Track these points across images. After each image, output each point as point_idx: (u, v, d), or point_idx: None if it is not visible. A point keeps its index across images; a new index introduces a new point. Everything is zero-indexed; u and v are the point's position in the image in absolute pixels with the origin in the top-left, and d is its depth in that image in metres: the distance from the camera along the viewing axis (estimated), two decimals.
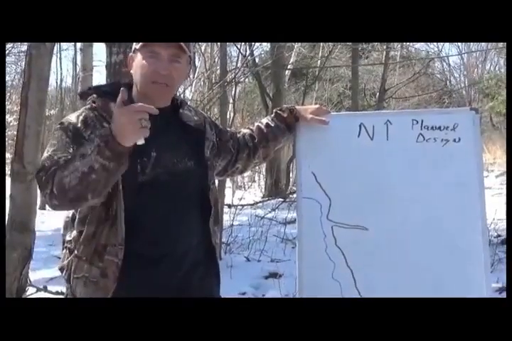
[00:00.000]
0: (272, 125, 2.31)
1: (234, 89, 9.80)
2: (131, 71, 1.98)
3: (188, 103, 2.21)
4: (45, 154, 1.83)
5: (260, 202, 10.98)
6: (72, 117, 1.89)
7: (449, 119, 2.21)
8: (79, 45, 15.04)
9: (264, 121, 2.36)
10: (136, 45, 1.94)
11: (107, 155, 1.67)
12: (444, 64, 27.82)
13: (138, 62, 1.93)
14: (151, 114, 1.73)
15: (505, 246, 6.49)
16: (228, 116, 8.49)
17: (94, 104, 1.91)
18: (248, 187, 14.28)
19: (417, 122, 2.23)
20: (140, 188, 1.87)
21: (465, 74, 30.61)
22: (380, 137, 2.25)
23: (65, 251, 1.99)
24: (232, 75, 6.58)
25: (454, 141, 2.19)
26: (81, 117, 1.87)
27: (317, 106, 2.36)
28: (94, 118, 1.87)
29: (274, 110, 2.39)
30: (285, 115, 2.31)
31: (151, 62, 1.90)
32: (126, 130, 1.67)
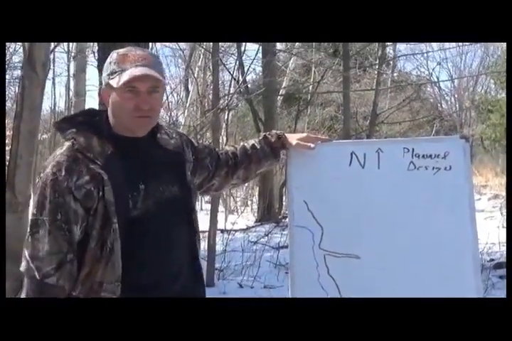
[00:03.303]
0: (258, 147, 2.31)
1: (227, 115, 9.84)
2: (108, 105, 1.94)
3: (181, 128, 2.22)
4: (42, 217, 1.82)
5: (253, 226, 10.95)
6: (58, 166, 1.84)
7: (440, 148, 2.22)
8: (72, 70, 15.16)
9: (251, 142, 2.35)
10: (110, 81, 1.88)
11: None
12: (435, 88, 28.07)
13: (116, 98, 1.89)
14: (134, 145, 1.91)
15: (498, 270, 6.48)
16: (221, 141, 8.51)
17: (75, 143, 1.87)
18: (241, 212, 14.23)
19: (408, 150, 2.24)
20: (132, 222, 1.86)
21: (456, 98, 30.85)
22: (372, 165, 2.25)
23: None
24: (225, 102, 6.61)
25: (445, 169, 2.20)
26: (65, 164, 1.82)
27: (305, 134, 2.36)
28: (80, 162, 1.83)
29: (263, 133, 2.40)
30: (272, 140, 2.31)
31: (130, 97, 1.86)
32: None
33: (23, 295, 1.83)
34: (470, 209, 2.17)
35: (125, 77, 1.83)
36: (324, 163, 2.29)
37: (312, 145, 2.25)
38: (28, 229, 1.85)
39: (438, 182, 2.20)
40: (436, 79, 26.08)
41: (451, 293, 2.12)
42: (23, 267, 1.84)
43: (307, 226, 2.26)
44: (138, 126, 1.92)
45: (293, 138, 2.30)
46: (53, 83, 16.52)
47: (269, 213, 11.92)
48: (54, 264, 1.80)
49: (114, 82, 1.86)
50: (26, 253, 1.83)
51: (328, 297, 2.19)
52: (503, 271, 6.41)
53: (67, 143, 1.88)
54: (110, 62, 1.89)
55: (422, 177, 2.21)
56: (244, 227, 10.74)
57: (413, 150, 2.23)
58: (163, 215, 1.93)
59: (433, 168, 2.21)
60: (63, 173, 1.81)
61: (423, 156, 2.22)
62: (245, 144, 2.34)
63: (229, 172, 2.28)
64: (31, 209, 1.91)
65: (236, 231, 9.74)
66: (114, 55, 1.90)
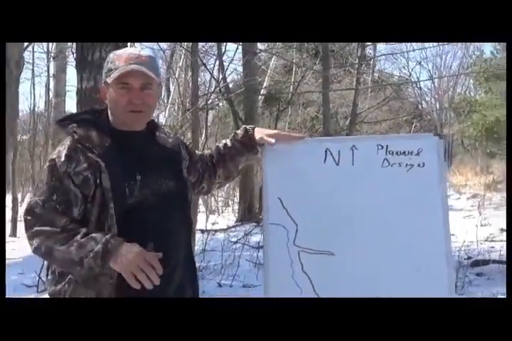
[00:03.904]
0: (229, 145, 2.37)
1: (206, 114, 9.83)
2: (106, 101, 2.07)
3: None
4: (35, 198, 1.97)
5: (233, 226, 10.95)
6: (58, 153, 1.97)
7: (414, 144, 2.23)
8: (52, 70, 15.07)
9: (223, 141, 2.42)
10: (107, 79, 2.03)
11: (98, 263, 1.83)
12: (416, 88, 28.27)
13: (112, 94, 2.03)
14: (132, 139, 2.03)
15: (475, 268, 6.55)
16: (201, 142, 8.49)
17: (75, 135, 1.99)
18: (222, 212, 14.24)
19: (382, 147, 2.25)
20: (130, 210, 1.95)
21: (436, 98, 31.09)
22: (346, 162, 2.26)
23: (52, 276, 2.02)
24: (204, 101, 6.60)
25: (419, 165, 2.21)
26: (65, 152, 1.96)
27: (276, 131, 2.40)
28: (78, 151, 1.96)
29: (235, 130, 2.45)
30: (240, 136, 2.36)
31: (123, 93, 2.01)
32: (124, 266, 1.82)
33: (63, 248, 1.87)
34: (443, 205, 2.18)
35: (118, 73, 1.99)
36: (299, 160, 2.29)
37: (273, 140, 2.26)
38: (24, 213, 1.97)
39: (411, 179, 2.21)
40: (416, 80, 26.29)
41: (423, 291, 2.13)
42: (38, 240, 1.91)
43: (282, 223, 2.26)
44: (132, 120, 2.05)
45: (261, 133, 2.33)
46: (33, 83, 16.43)
47: (249, 213, 11.95)
48: (64, 220, 1.91)
49: (110, 79, 2.02)
50: (36, 227, 1.92)
51: (303, 293, 2.20)
52: (480, 269, 6.49)
53: (69, 137, 2.01)
54: (107, 62, 2.07)
55: (395, 174, 2.22)
56: (225, 227, 10.74)
57: (387, 147, 2.24)
58: (161, 207, 2.02)
59: (406, 165, 2.22)
60: (62, 159, 1.94)
61: (397, 153, 2.23)
62: (219, 144, 2.42)
63: (211, 174, 2.36)
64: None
65: (216, 231, 9.74)
66: (111, 55, 2.07)
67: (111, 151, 1.98)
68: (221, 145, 2.39)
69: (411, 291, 2.12)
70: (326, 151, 2.27)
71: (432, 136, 2.27)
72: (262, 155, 2.32)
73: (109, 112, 2.08)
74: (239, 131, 2.38)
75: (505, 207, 12.85)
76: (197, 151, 2.41)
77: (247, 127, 2.38)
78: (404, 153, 2.23)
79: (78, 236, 1.86)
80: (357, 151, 2.26)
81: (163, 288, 1.97)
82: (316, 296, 2.19)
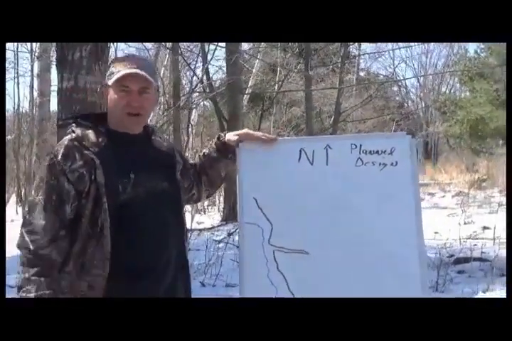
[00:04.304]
0: (207, 153, 2.42)
1: (188, 113, 9.82)
2: (107, 103, 2.17)
3: None
4: (39, 197, 2.04)
5: (218, 225, 10.96)
6: (56, 152, 2.06)
7: (387, 144, 2.25)
8: (36, 70, 15.00)
9: (203, 150, 2.48)
10: (108, 81, 2.13)
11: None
12: (402, 87, 28.39)
13: (112, 96, 2.13)
14: (128, 141, 2.12)
15: (457, 266, 6.59)
16: (183, 140, 8.48)
17: (73, 134, 2.09)
18: (208, 211, 14.23)
19: (356, 146, 2.26)
20: (123, 205, 2.03)
21: (421, 97, 31.22)
22: (320, 162, 2.27)
23: None
24: (184, 101, 6.61)
25: (392, 164, 2.23)
26: (62, 150, 2.05)
27: (246, 130, 2.43)
28: (74, 149, 2.05)
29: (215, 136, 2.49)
30: (214, 142, 2.42)
31: (123, 95, 2.11)
32: None
33: (20, 268, 1.99)
34: (416, 204, 2.20)
35: (118, 75, 2.09)
36: (273, 160, 2.31)
37: (236, 137, 2.34)
38: (26, 209, 2.08)
39: (384, 178, 2.23)
40: (402, 78, 26.40)
41: (396, 290, 2.15)
42: (18, 242, 2.01)
43: (257, 223, 2.28)
44: (130, 122, 2.13)
45: (231, 136, 2.37)
46: (17, 83, 16.35)
47: (234, 212, 11.94)
48: (48, 237, 1.99)
49: (110, 82, 2.12)
50: (23, 229, 2.02)
51: (278, 292, 2.21)
52: (461, 266, 6.53)
53: (67, 136, 2.10)
54: (110, 66, 2.19)
55: (369, 173, 2.24)
56: (210, 226, 10.75)
57: (361, 146, 2.26)
58: (154, 205, 2.09)
59: (380, 164, 2.24)
60: (59, 158, 2.04)
61: (370, 152, 2.25)
62: (200, 153, 2.49)
63: (198, 182, 2.42)
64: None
65: (201, 230, 9.75)
66: (114, 61, 2.22)
67: (107, 150, 2.06)
68: (201, 154, 2.46)
69: (384, 290, 2.15)
70: (300, 151, 2.29)
71: (405, 135, 2.29)
72: (237, 155, 2.33)
73: (108, 114, 2.17)
74: (214, 139, 2.44)
75: (488, 205, 12.97)
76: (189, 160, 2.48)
77: (221, 134, 2.44)
78: (377, 152, 2.25)
79: (33, 270, 1.96)
80: (331, 151, 2.28)
81: (154, 285, 2.05)
82: (290, 295, 2.21)
